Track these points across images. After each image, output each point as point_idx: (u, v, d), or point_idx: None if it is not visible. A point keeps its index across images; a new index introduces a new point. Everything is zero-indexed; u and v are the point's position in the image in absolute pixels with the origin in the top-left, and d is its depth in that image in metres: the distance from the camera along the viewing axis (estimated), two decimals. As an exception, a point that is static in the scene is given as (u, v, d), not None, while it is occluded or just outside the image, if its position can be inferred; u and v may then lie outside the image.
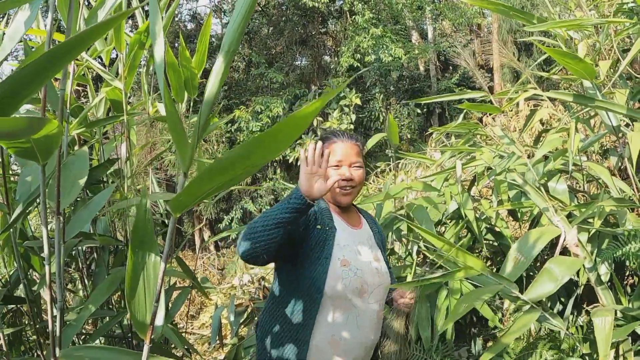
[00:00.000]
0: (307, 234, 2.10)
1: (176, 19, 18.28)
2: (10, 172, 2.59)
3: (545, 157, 3.30)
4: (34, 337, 3.01)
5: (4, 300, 2.50)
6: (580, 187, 3.66)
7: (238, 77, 17.87)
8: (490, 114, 9.38)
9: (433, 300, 3.11)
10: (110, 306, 3.10)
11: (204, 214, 14.03)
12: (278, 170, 15.19)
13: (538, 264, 3.49)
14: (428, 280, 2.03)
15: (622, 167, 3.69)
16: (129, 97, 2.84)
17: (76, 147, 2.91)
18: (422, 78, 19.90)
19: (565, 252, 2.48)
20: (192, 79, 2.90)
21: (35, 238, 2.89)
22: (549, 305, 3.23)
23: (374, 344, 2.22)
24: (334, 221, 2.21)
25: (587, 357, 2.56)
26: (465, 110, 5.18)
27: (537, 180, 2.91)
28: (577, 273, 2.94)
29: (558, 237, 2.45)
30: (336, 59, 16.63)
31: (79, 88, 4.09)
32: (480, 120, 10.18)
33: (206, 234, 15.75)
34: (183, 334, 3.25)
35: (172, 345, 3.22)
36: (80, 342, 2.89)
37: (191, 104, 3.16)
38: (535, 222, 3.33)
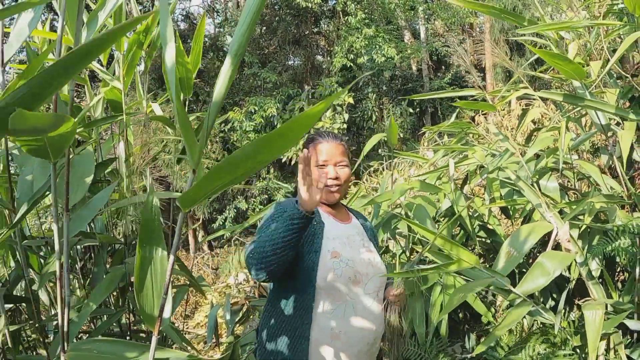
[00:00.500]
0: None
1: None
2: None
3: (537, 156, 3.35)
4: (33, 335, 3.04)
5: (5, 300, 2.52)
6: (571, 184, 3.72)
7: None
8: (482, 113, 9.44)
9: (427, 296, 3.16)
10: (108, 305, 3.13)
11: (197, 213, 14.04)
12: (271, 170, 15.21)
13: (530, 260, 3.55)
14: (419, 271, 2.08)
15: (612, 165, 3.75)
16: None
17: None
18: (414, 78, 19.95)
19: (557, 248, 2.54)
20: (187, 79, 2.94)
21: (32, 237, 2.92)
22: (541, 300, 3.28)
23: (377, 337, 2.25)
24: (322, 217, 2.26)
25: (578, 350, 2.60)
26: (458, 110, 5.23)
27: (530, 178, 2.97)
28: (569, 269, 2.99)
29: (550, 233, 2.50)
30: (329, 58, 16.67)
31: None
32: (473, 119, 10.24)
33: (200, 234, 15.76)
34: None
35: (171, 342, 3.26)
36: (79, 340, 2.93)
37: (186, 104, 3.19)
38: (527, 219, 3.38)
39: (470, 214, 3.56)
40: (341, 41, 15.49)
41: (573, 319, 2.99)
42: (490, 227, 3.67)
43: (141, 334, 3.21)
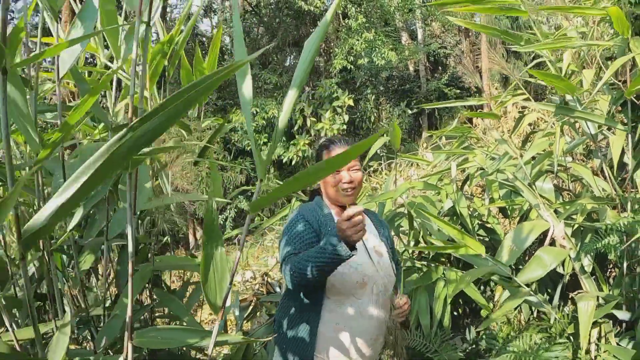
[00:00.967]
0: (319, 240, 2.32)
1: (167, 18, 18.38)
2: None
3: (533, 158, 3.56)
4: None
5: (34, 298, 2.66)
6: (566, 186, 3.92)
7: (230, 78, 18.01)
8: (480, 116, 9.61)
9: (431, 290, 3.36)
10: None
11: (198, 212, 14.12)
12: (272, 170, 15.37)
13: (527, 257, 3.73)
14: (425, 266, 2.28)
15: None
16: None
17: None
18: (411, 78, 20.08)
19: (552, 244, 2.75)
20: None
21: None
22: (537, 294, 3.48)
23: (380, 333, 2.37)
24: (335, 221, 2.39)
25: (571, 337, 2.80)
26: (459, 115, 5.42)
27: (530, 179, 3.17)
28: (563, 264, 3.20)
29: (546, 231, 2.72)
30: (328, 60, 16.81)
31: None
32: (470, 120, 10.43)
33: (198, 233, 15.85)
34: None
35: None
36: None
37: (202, 109, 3.36)
38: (524, 218, 3.58)
39: (470, 213, 3.75)
40: (341, 43, 15.63)
41: (567, 313, 3.17)
42: (489, 225, 3.87)
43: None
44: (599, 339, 2.79)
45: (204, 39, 19.61)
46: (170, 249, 3.76)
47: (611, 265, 3.67)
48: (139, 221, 3.21)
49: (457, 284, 2.50)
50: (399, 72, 19.71)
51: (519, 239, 2.64)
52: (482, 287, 3.95)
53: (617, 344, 2.72)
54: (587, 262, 2.91)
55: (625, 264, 2.77)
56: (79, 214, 1.76)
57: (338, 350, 2.27)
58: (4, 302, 1.55)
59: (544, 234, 2.78)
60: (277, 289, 5.78)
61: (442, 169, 4.16)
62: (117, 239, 2.76)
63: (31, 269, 3.10)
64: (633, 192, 3.73)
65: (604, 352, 2.68)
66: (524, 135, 5.53)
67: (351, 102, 14.67)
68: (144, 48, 1.40)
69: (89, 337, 2.91)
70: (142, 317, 3.20)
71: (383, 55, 15.26)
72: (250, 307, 5.01)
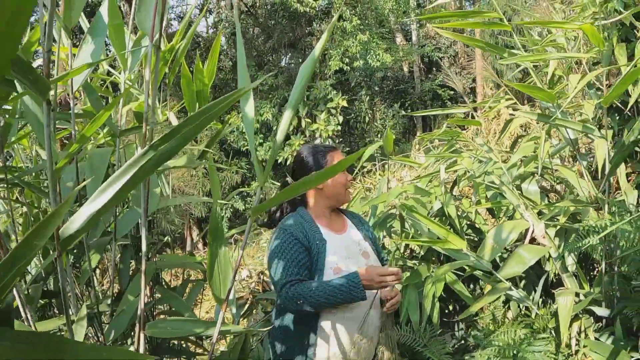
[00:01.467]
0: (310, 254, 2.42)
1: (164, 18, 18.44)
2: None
3: (522, 161, 3.71)
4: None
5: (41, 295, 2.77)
6: (554, 188, 4.06)
7: (224, 77, 18.12)
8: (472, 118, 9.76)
9: (420, 287, 3.50)
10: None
11: (194, 212, 14.25)
12: (267, 170, 15.49)
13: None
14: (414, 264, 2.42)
15: (591, 170, 4.08)
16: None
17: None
18: (406, 79, 20.22)
19: (535, 243, 2.90)
20: (204, 91, 3.25)
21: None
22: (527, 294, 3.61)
23: (374, 333, 2.47)
24: (323, 233, 2.48)
25: (554, 332, 2.94)
26: (448, 119, 5.56)
27: (512, 182, 3.32)
28: (547, 262, 3.35)
29: (528, 230, 2.87)
30: (323, 62, 16.93)
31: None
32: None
33: (195, 232, 15.96)
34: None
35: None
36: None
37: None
38: (511, 218, 3.72)
39: (459, 214, 3.90)
40: (336, 45, 15.76)
41: (553, 311, 3.31)
42: (477, 226, 4.01)
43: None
44: (579, 334, 2.94)
45: (200, 39, 19.69)
46: (171, 248, 3.88)
47: (596, 264, 3.80)
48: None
49: (440, 274, 2.66)
50: (393, 73, 19.84)
51: (500, 237, 2.80)
52: (471, 286, 4.08)
53: (597, 338, 2.87)
54: (571, 261, 3.06)
55: (603, 263, 2.91)
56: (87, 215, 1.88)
57: (336, 351, 2.36)
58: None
59: (528, 232, 2.93)
60: (273, 287, 5.92)
61: (432, 171, 4.31)
62: (122, 239, 2.89)
63: (31, 269, 3.22)
64: (618, 195, 3.89)
65: (584, 346, 2.82)
66: (514, 136, 5.70)
67: (345, 103, 14.82)
68: (155, 70, 1.54)
69: (91, 334, 3.03)
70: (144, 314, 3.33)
71: (378, 57, 15.39)
72: (247, 305, 5.13)
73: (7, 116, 2.21)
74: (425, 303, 3.37)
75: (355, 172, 5.63)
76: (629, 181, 3.91)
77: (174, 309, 3.10)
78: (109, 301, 2.70)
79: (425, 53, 19.53)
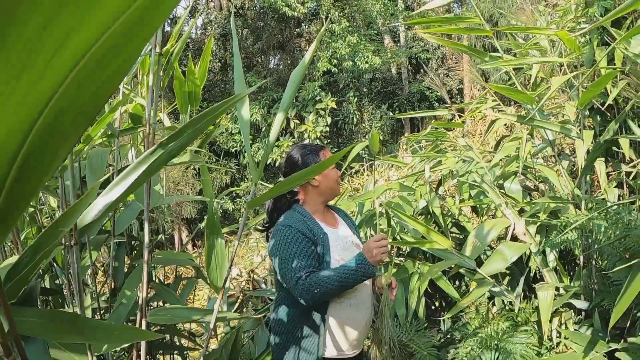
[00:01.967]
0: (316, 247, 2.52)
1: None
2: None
3: (505, 160, 3.83)
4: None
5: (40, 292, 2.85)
6: (537, 186, 4.18)
7: (213, 78, 18.17)
8: (459, 119, 9.89)
9: (407, 284, 3.61)
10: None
11: (184, 213, 14.25)
12: (257, 171, 15.55)
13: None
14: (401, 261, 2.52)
15: (574, 169, 4.19)
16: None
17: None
18: (394, 80, 20.29)
19: (516, 240, 3.03)
20: (195, 93, 3.32)
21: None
22: (509, 288, 3.72)
23: (371, 317, 2.60)
24: (323, 228, 2.57)
25: (536, 325, 3.06)
26: (432, 120, 5.66)
27: (494, 181, 3.43)
28: (529, 259, 3.46)
29: (510, 228, 2.99)
30: (312, 63, 17.00)
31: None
32: (451, 120, 10.66)
33: (184, 233, 15.98)
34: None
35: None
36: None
37: (193, 115, 3.58)
38: (494, 216, 3.84)
39: (444, 212, 4.01)
40: (324, 47, 15.85)
41: (535, 305, 3.42)
42: (461, 223, 4.13)
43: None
44: (560, 326, 3.06)
45: (189, 40, 19.72)
46: (161, 248, 3.95)
47: (577, 260, 3.92)
48: (136, 220, 3.42)
49: (426, 274, 2.77)
50: (381, 74, 19.91)
51: (482, 235, 2.92)
52: (457, 282, 4.19)
53: (576, 330, 2.99)
54: (552, 257, 3.18)
55: (581, 258, 3.03)
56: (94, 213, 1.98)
57: (342, 340, 2.48)
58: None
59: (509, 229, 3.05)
60: (263, 285, 6.00)
61: (418, 171, 4.42)
62: (117, 237, 2.97)
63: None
64: (600, 193, 4.00)
65: (565, 338, 2.94)
66: (500, 136, 5.81)
67: (334, 105, 14.91)
68: (158, 76, 1.64)
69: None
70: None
71: (366, 59, 15.49)
72: (238, 303, 5.22)
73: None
74: (410, 298, 3.48)
75: (342, 171, 5.73)
76: (609, 180, 4.04)
77: (167, 305, 3.18)
78: (103, 298, 2.78)
79: (413, 55, 19.64)
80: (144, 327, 1.58)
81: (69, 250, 1.37)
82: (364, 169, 9.86)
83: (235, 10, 18.82)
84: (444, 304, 4.43)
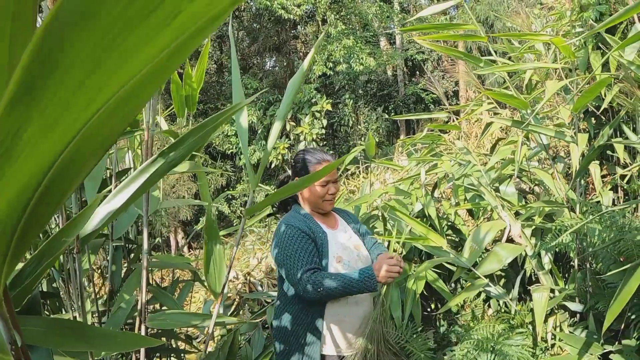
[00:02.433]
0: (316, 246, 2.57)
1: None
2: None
3: (500, 164, 3.85)
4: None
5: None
6: (532, 189, 4.21)
7: (210, 80, 18.17)
8: (454, 122, 9.92)
9: (403, 286, 3.63)
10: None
11: (180, 216, 14.25)
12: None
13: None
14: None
15: (569, 172, 4.22)
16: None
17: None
18: (389, 82, 20.33)
19: (512, 242, 3.05)
20: (192, 96, 3.34)
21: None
22: (504, 291, 3.74)
23: (369, 317, 2.61)
24: (323, 228, 2.63)
25: (530, 327, 3.08)
26: (429, 123, 5.68)
27: (490, 184, 3.45)
28: (524, 261, 3.49)
29: (506, 230, 3.01)
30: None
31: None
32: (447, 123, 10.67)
33: (180, 236, 15.98)
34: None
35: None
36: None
37: (190, 119, 3.60)
38: (489, 219, 3.86)
39: (440, 215, 4.03)
40: (320, 49, 15.86)
41: (530, 307, 3.44)
42: (457, 226, 4.15)
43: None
44: (555, 328, 3.08)
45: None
46: (161, 249, 3.97)
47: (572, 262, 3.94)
48: (134, 224, 3.44)
49: (420, 270, 2.80)
50: (377, 76, 19.94)
51: (479, 237, 2.94)
52: (453, 285, 4.21)
53: (570, 332, 3.02)
54: (547, 259, 3.21)
55: (576, 260, 3.06)
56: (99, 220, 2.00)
57: (340, 338, 2.53)
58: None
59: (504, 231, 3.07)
60: (259, 288, 6.02)
61: (413, 173, 4.44)
62: (115, 240, 2.99)
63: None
64: (595, 196, 4.03)
65: (559, 340, 2.96)
66: (495, 139, 5.83)
67: (330, 107, 14.93)
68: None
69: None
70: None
71: (361, 61, 15.52)
72: (234, 305, 5.22)
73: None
74: (407, 300, 3.50)
75: (339, 174, 5.75)
76: (604, 183, 4.06)
77: (165, 308, 3.20)
78: (100, 301, 2.79)
79: (408, 57, 19.67)
80: (143, 331, 1.59)
81: (68, 255, 1.39)
82: (359, 172, 9.88)
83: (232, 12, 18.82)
84: (439, 306, 4.44)
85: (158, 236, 3.68)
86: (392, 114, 18.00)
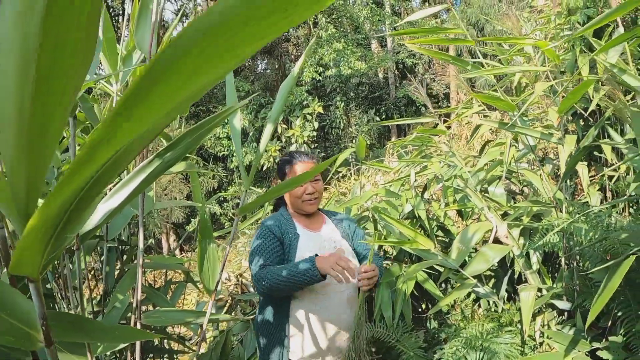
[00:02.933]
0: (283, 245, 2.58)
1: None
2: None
3: (489, 165, 3.90)
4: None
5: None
6: (522, 190, 4.26)
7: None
8: (444, 123, 9.99)
9: (393, 286, 3.67)
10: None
11: (171, 218, 14.26)
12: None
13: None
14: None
15: (557, 173, 4.27)
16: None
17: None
18: (381, 85, 20.39)
19: (500, 242, 3.10)
20: None
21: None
22: (494, 291, 3.79)
23: (347, 324, 2.59)
24: (297, 229, 2.65)
25: (519, 325, 3.13)
26: (418, 126, 5.73)
27: (478, 185, 3.51)
28: (513, 261, 3.54)
29: (493, 231, 3.07)
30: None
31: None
32: (436, 127, 10.74)
33: (171, 238, 15.98)
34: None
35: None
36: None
37: (183, 120, 3.64)
38: (478, 220, 3.92)
39: (430, 216, 4.08)
40: (311, 53, 15.91)
41: (518, 306, 3.49)
42: (446, 227, 4.20)
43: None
44: (543, 326, 3.13)
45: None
46: (154, 251, 4.00)
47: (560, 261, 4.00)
48: (127, 225, 3.47)
49: (409, 273, 2.85)
50: (368, 79, 20.01)
51: (466, 238, 2.99)
52: (443, 285, 4.26)
53: (558, 330, 3.07)
54: (535, 259, 3.26)
55: (562, 259, 3.11)
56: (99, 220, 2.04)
57: (308, 343, 2.50)
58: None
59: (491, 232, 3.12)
60: (251, 289, 6.05)
61: (404, 175, 4.49)
62: (109, 242, 3.03)
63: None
64: (582, 196, 4.08)
65: (548, 337, 3.01)
66: (485, 141, 5.89)
67: (321, 110, 14.99)
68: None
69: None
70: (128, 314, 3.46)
71: (350, 65, 15.57)
72: (226, 306, 5.26)
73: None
74: (397, 300, 3.54)
75: (330, 176, 5.80)
76: (592, 183, 4.12)
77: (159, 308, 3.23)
78: (94, 302, 2.83)
79: (400, 60, 19.74)
80: (137, 328, 1.63)
81: (64, 256, 1.44)
82: (351, 173, 9.94)
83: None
84: (430, 306, 4.49)
85: (150, 237, 3.71)
86: (384, 116, 18.08)
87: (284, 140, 15.33)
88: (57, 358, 0.79)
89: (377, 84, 20.42)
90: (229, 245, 1.59)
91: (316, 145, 16.74)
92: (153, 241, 3.80)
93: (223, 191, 15.57)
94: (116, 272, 3.31)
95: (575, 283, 3.18)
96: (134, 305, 1.68)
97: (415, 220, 3.95)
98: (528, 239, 3.33)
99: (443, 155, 4.25)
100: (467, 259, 3.76)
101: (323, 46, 15.64)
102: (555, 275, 3.61)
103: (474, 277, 2.91)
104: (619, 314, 2.79)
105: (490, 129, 7.50)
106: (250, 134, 15.33)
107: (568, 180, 3.48)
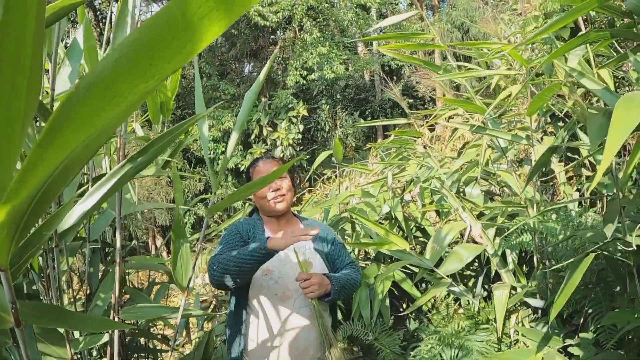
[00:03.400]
0: None
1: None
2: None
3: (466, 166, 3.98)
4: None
5: (18, 297, 2.94)
6: (502, 191, 4.35)
7: (189, 85, 18.23)
8: (427, 126, 10.10)
9: (371, 286, 3.75)
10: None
11: (158, 221, 14.23)
12: (230, 178, 15.66)
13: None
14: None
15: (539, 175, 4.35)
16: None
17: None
18: (367, 87, 20.48)
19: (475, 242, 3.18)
20: (167, 103, 3.43)
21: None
22: (474, 290, 3.86)
23: (309, 343, 2.44)
24: (265, 233, 2.55)
25: (494, 322, 3.21)
26: (397, 128, 5.82)
27: (451, 185, 3.59)
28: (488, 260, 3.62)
29: (467, 230, 3.15)
30: (285, 71, 17.12)
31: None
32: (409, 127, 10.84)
33: (158, 241, 15.94)
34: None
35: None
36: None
37: (165, 125, 3.69)
38: (456, 219, 4.00)
39: (408, 216, 4.17)
40: (296, 56, 15.98)
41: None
42: (424, 227, 4.28)
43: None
44: (517, 324, 3.22)
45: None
46: (139, 253, 4.05)
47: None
48: (110, 228, 3.53)
49: (385, 272, 2.93)
50: (354, 81, 20.08)
51: (440, 238, 3.08)
52: (422, 285, 4.33)
53: (532, 327, 3.15)
54: (511, 258, 3.35)
55: (535, 258, 3.19)
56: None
57: (266, 335, 2.40)
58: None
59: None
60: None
61: (383, 177, 4.58)
62: (91, 243, 3.08)
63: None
64: (560, 197, 4.17)
65: (522, 335, 3.09)
66: (464, 142, 5.98)
67: (306, 112, 15.06)
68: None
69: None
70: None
71: (333, 69, 15.62)
72: (211, 307, 5.32)
73: None
74: (375, 299, 3.62)
75: (309, 176, 5.86)
76: (570, 184, 4.21)
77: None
78: (78, 303, 2.89)
79: (385, 62, 19.81)
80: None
81: (48, 253, 1.50)
82: (336, 176, 10.02)
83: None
84: (410, 305, 4.56)
85: (135, 239, 3.76)
86: (369, 118, 18.13)
87: (269, 143, 15.39)
88: (25, 337, 0.86)
89: (364, 86, 20.50)
90: (200, 242, 1.66)
91: (302, 147, 16.79)
92: (138, 243, 3.84)
93: (209, 194, 15.60)
94: (100, 274, 3.35)
95: (549, 281, 3.26)
96: (113, 301, 1.75)
97: (393, 221, 4.03)
98: (503, 239, 3.41)
99: (421, 157, 4.34)
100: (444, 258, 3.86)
101: (308, 49, 15.69)
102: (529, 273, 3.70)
103: (451, 276, 2.99)
104: (590, 311, 2.87)
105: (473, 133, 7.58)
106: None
107: (538, 180, 3.55)
